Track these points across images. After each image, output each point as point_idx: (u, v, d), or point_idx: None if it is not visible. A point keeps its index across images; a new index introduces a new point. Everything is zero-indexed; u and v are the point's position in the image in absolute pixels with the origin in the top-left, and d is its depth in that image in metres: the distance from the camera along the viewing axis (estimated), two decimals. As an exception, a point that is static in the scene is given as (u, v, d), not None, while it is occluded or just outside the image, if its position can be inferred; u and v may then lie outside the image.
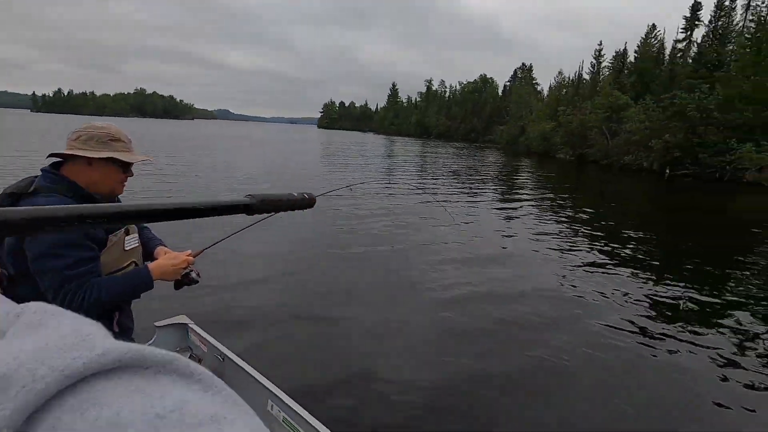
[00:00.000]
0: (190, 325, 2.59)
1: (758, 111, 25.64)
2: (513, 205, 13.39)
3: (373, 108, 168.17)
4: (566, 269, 6.95)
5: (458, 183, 18.11)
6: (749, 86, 26.32)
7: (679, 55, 41.14)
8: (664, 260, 8.16)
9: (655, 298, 5.92)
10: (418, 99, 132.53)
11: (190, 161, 20.33)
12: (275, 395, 1.99)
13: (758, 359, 4.37)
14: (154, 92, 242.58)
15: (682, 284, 6.59)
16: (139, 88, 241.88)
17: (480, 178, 20.80)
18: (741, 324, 5.20)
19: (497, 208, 12.52)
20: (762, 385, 3.87)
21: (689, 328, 5.00)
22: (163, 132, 55.72)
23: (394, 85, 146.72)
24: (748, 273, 7.55)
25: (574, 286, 6.14)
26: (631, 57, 48.23)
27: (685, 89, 29.77)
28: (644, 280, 6.66)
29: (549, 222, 10.88)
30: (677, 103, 28.71)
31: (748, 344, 4.68)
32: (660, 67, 41.50)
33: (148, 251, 1.79)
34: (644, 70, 43.74)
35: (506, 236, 9.05)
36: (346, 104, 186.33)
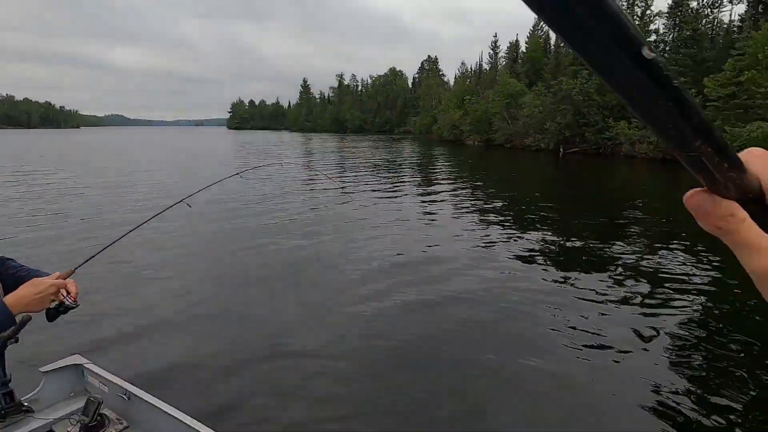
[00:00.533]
0: (85, 365, 2.29)
1: (627, 92, 29.54)
2: (430, 190, 13.98)
3: (286, 105, 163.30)
4: (478, 244, 7.47)
5: (377, 174, 18.42)
6: (618, 71, 30.16)
7: (561, 44, 45.74)
8: (561, 227, 9.12)
9: (552, 257, 6.64)
10: (331, 94, 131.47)
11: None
12: (194, 429, 1.84)
13: (631, 307, 5.11)
14: (26, 98, 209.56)
15: (578, 244, 7.46)
16: (5, 94, 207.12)
17: (397, 167, 21.36)
18: (622, 275, 6.05)
19: (416, 195, 12.97)
20: (640, 331, 4.55)
21: (580, 285, 5.69)
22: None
23: (305, 81, 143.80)
24: (630, 230, 8.77)
25: (483, 257, 6.64)
26: (523, 47, 52.57)
27: (569, 75, 33.25)
28: (546, 245, 7.42)
29: (463, 203, 11.56)
30: (564, 89, 32.02)
31: (628, 294, 5.45)
32: (547, 56, 45.80)
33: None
34: (534, 59, 47.95)
35: (427, 224, 9.44)
36: (256, 103, 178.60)
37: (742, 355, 4.03)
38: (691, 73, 26.54)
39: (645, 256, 6.96)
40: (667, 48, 32.25)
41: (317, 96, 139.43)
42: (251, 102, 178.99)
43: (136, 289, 5.39)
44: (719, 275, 6.22)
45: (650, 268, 6.42)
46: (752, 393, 3.44)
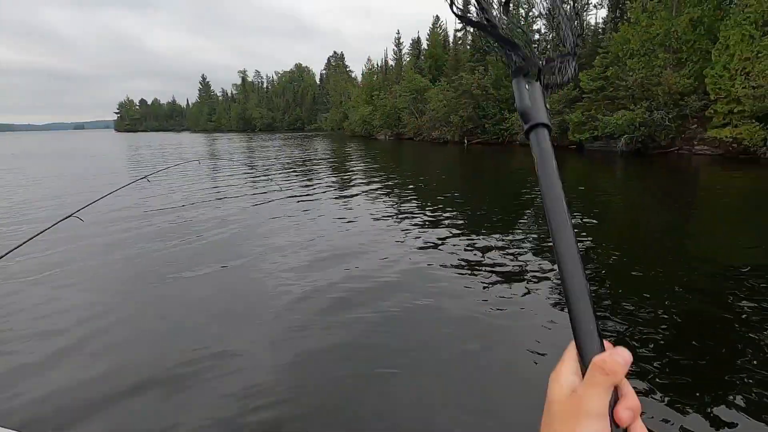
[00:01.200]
0: None
1: (518, 86, 32.47)
2: (344, 185, 13.94)
3: (184, 104, 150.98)
4: (395, 234, 7.64)
5: (291, 173, 17.88)
6: (510, 67, 32.98)
7: (459, 42, 48.54)
8: (468, 211, 9.70)
9: (461, 242, 7.04)
10: (234, 92, 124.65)
11: None
12: None
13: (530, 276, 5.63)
14: None
15: (482, 230, 7.99)
16: None
17: (312, 164, 20.98)
18: (520, 252, 6.63)
19: (331, 190, 12.84)
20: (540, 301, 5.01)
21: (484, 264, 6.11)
22: None
23: (204, 78, 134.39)
24: (525, 213, 9.64)
25: (399, 242, 6.81)
26: (425, 44, 54.79)
27: (468, 71, 35.45)
28: (450, 230, 7.84)
29: (378, 196, 11.72)
30: (463, 84, 34.09)
31: (528, 267, 5.97)
32: (447, 52, 48.34)
33: None
34: (436, 56, 50.31)
35: (343, 218, 9.40)
36: (149, 102, 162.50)
37: (652, 316, 4.64)
38: (568, 68, 29.90)
39: (544, 230, 7.70)
40: (549, 47, 35.96)
41: (219, 94, 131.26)
42: (143, 101, 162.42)
43: (17, 321, 4.54)
44: (610, 243, 7.10)
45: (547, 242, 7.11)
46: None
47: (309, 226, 8.52)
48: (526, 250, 6.72)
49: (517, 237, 7.49)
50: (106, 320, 4.61)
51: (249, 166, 21.39)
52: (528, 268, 5.89)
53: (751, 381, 3.33)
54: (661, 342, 3.97)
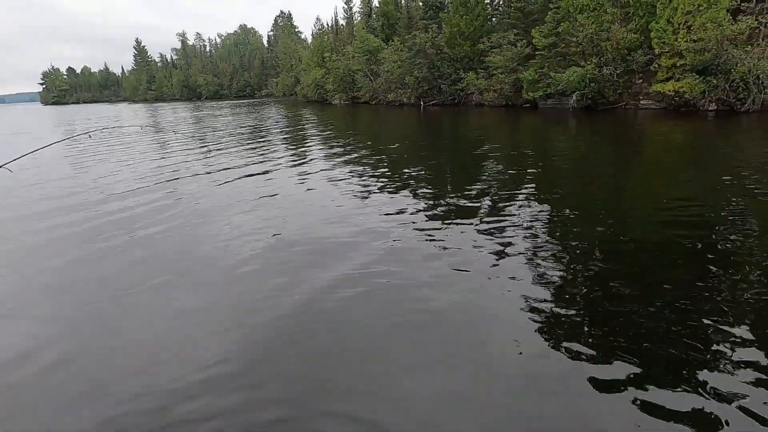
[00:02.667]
0: None
1: (472, 44, 31.92)
2: (300, 154, 13.28)
3: (119, 72, 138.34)
4: (356, 204, 7.29)
5: (242, 143, 16.83)
6: (463, 24, 32.23)
7: (411, -1, 46.82)
8: (426, 174, 9.48)
9: (422, 203, 6.83)
10: (174, 57, 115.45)
11: None
12: None
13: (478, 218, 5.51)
14: None
15: (441, 188, 7.80)
16: None
17: (264, 133, 19.88)
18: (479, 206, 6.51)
19: (286, 161, 12.17)
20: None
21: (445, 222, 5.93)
22: None
23: (138, 42, 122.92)
24: (484, 170, 9.54)
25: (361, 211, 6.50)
26: (376, 2, 52.44)
27: (421, 29, 34.37)
28: (415, 194, 7.60)
29: (335, 165, 11.22)
30: (418, 43, 33.08)
31: (485, 218, 5.85)
32: (400, 10, 46.54)
33: None
34: (388, 14, 48.34)
35: (301, 183, 8.89)
36: (78, 70, 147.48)
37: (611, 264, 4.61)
38: (521, 25, 29.63)
39: (500, 191, 7.61)
40: (502, 3, 35.37)
41: (158, 60, 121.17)
42: (71, 69, 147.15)
43: None
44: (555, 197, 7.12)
45: (505, 200, 7.02)
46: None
47: (266, 200, 7.98)
48: (488, 207, 6.60)
49: (478, 194, 7.35)
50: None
51: (195, 137, 19.99)
52: (493, 225, 5.76)
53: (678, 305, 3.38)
54: (598, 275, 3.97)
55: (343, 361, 3.22)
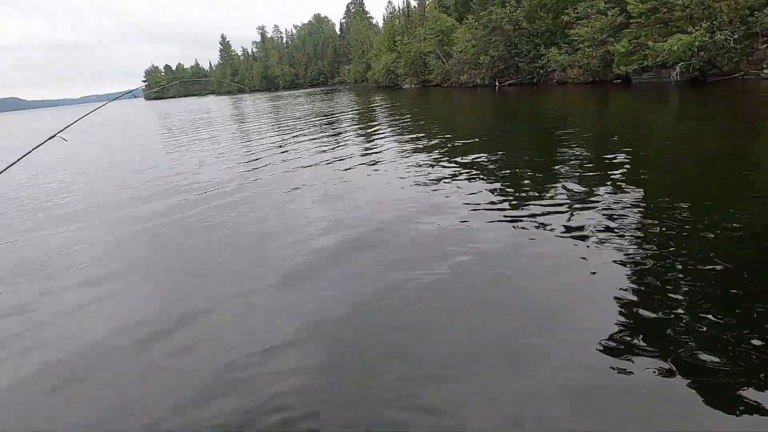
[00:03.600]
0: None
1: (555, 16, 29.36)
2: (372, 140, 13.14)
3: (207, 67, 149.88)
4: (429, 194, 6.93)
5: (316, 131, 17.17)
6: (545, -5, 29.73)
7: (487, -27, 44.27)
8: (503, 161, 8.77)
9: (498, 195, 6.25)
10: (255, 50, 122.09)
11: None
12: None
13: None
14: None
15: (515, 178, 7.13)
16: None
17: (336, 119, 20.12)
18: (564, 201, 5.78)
19: (359, 147, 12.11)
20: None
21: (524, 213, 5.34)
22: None
23: (224, 38, 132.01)
24: (566, 153, 8.60)
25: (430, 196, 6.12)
26: (449, -21, 50.39)
27: (498, 4, 32.36)
28: (486, 180, 7.02)
29: (408, 149, 10.90)
30: (494, 19, 31.23)
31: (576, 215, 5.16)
32: (474, -14, 44.34)
33: None
34: (462, -9, 46.30)
35: (375, 171, 8.73)
36: (173, 67, 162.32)
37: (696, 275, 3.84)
38: (613, -9, 26.57)
39: (586, 177, 6.75)
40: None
41: (240, 53, 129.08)
42: (167, 67, 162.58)
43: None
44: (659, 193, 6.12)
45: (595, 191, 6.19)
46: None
47: (340, 189, 7.93)
48: (567, 198, 5.86)
49: (558, 183, 6.59)
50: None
51: (275, 126, 20.83)
52: (578, 219, 5.08)
53: None
54: (713, 287, 3.20)
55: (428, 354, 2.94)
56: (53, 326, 3.90)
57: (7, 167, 3.32)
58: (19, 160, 3.18)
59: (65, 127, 2.49)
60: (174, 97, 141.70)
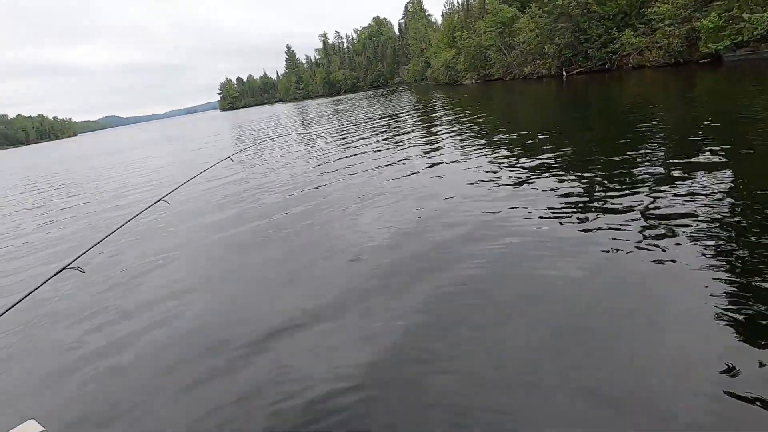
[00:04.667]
0: None
1: (629, -4, 27.07)
2: (432, 140, 13.08)
3: (274, 77, 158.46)
4: (492, 186, 6.76)
5: (375, 133, 17.45)
6: (617, -26, 27.49)
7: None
8: (572, 157, 8.26)
9: (571, 194, 5.90)
10: (317, 56, 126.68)
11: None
12: None
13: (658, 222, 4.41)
14: (19, 115, 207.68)
15: (591, 176, 6.68)
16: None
17: (395, 121, 20.28)
18: (641, 202, 5.29)
19: (418, 147, 12.12)
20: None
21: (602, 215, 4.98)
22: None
23: (289, 48, 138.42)
24: (642, 149, 7.89)
25: (498, 195, 5.95)
26: (510, -32, 48.45)
27: (563, -11, 30.53)
28: (559, 179, 6.65)
29: (470, 147, 10.70)
30: (559, 4, 29.53)
31: (652, 219, 4.73)
32: (537, -28, 42.25)
33: None
34: (524, -21, 44.33)
35: (432, 175, 8.71)
36: (244, 79, 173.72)
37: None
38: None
39: (671, 174, 6.14)
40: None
41: (304, 61, 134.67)
42: (239, 79, 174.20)
43: (111, 325, 4.67)
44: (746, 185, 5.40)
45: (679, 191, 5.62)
46: None
47: (402, 191, 8.03)
48: (646, 201, 5.38)
49: (637, 187, 6.07)
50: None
51: (337, 131, 21.47)
52: (653, 222, 4.66)
53: None
54: None
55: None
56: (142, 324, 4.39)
57: (180, 184, 3.86)
58: (195, 176, 3.73)
59: (235, 153, 3.09)
60: (245, 106, 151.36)
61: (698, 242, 4.13)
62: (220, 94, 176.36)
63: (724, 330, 2.92)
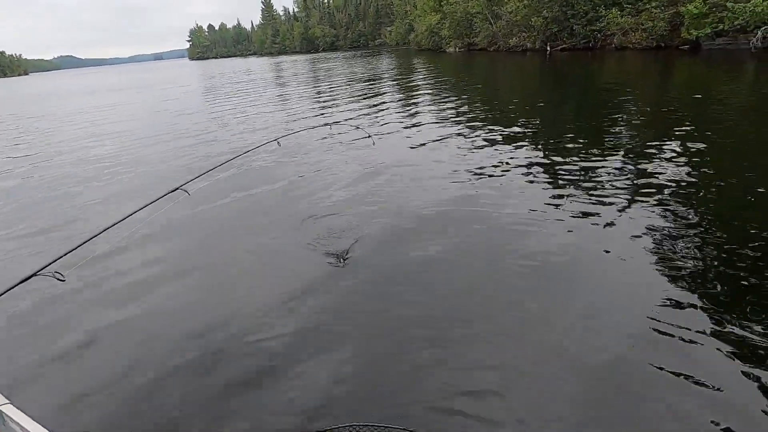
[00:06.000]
0: (3, 408, 1.65)
1: (619, -26, 26.69)
2: (412, 108, 12.72)
3: (249, 27, 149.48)
4: (463, 164, 6.62)
5: (354, 95, 16.83)
6: (610, -51, 26.94)
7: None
8: (547, 132, 8.21)
9: (547, 167, 5.85)
10: (296, 9, 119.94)
11: None
12: None
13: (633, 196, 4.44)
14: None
15: (568, 149, 6.65)
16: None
17: (374, 84, 19.62)
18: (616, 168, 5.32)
19: (398, 113, 11.75)
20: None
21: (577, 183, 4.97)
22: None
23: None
24: (617, 127, 7.93)
25: (470, 171, 5.84)
26: (502, -69, 46.64)
27: (555, -40, 29.73)
28: (535, 151, 6.59)
29: (448, 118, 10.46)
30: (550, -24, 28.80)
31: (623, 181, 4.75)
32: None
33: None
34: (516, -55, 42.83)
35: (409, 139, 8.46)
36: (216, 27, 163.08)
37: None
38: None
39: (639, 159, 6.18)
40: None
41: (281, 13, 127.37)
42: (210, 27, 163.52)
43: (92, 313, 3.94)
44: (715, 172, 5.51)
45: (645, 172, 5.67)
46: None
47: (370, 153, 7.75)
48: (614, 183, 5.40)
49: (606, 164, 6.09)
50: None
51: (311, 95, 20.64)
52: (615, 210, 4.68)
53: None
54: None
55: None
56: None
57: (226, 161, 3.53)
58: (237, 157, 3.52)
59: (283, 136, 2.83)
60: (216, 57, 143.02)
61: (650, 208, 4.18)
62: (189, 41, 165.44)
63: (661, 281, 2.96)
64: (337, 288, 3.64)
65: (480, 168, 6.36)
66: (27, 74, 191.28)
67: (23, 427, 1.61)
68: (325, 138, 9.06)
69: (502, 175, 5.98)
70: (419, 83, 19.21)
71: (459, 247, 4.17)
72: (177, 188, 2.77)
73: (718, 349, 2.62)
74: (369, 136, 6.48)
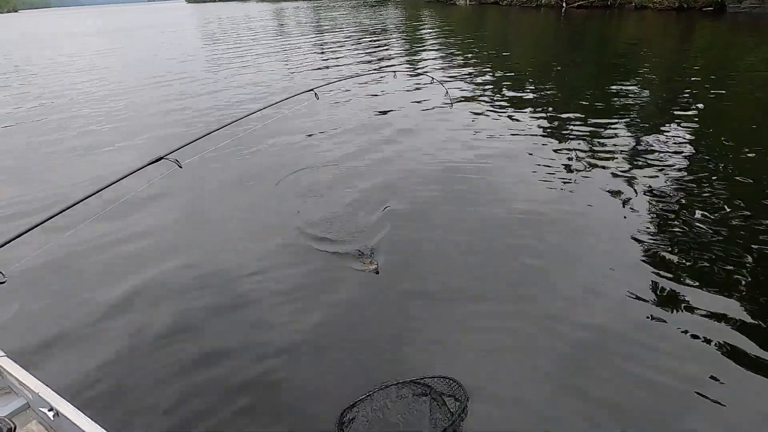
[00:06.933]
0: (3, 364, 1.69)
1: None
2: (419, 63, 12.13)
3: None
4: (470, 126, 6.34)
5: (363, 46, 16.05)
6: None
7: None
8: (561, 100, 7.84)
9: (554, 131, 5.61)
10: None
11: None
12: None
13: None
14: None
15: (577, 113, 6.35)
16: None
17: (379, 39, 18.68)
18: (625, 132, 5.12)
19: (401, 71, 11.20)
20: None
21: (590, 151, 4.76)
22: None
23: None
24: (632, 86, 7.58)
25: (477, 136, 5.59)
26: None
27: None
28: (544, 118, 6.31)
29: (457, 75, 9.98)
30: None
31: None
32: None
33: None
34: None
35: (412, 95, 8.09)
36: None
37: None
38: None
39: (653, 125, 5.91)
40: None
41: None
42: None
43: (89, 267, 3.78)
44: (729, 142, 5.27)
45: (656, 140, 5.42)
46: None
47: (377, 122, 7.44)
48: (626, 143, 5.21)
49: (616, 131, 5.83)
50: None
51: (318, 46, 19.70)
52: (622, 173, 4.49)
53: None
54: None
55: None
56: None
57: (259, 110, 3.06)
58: (273, 104, 3.13)
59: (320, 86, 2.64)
60: (215, 1, 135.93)
61: (652, 178, 4.07)
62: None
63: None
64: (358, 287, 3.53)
65: (489, 132, 6.11)
66: (16, 11, 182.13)
67: (18, 378, 1.61)
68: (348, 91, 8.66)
69: (510, 141, 5.74)
70: (427, 39, 18.26)
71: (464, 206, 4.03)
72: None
73: (705, 326, 2.65)
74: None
